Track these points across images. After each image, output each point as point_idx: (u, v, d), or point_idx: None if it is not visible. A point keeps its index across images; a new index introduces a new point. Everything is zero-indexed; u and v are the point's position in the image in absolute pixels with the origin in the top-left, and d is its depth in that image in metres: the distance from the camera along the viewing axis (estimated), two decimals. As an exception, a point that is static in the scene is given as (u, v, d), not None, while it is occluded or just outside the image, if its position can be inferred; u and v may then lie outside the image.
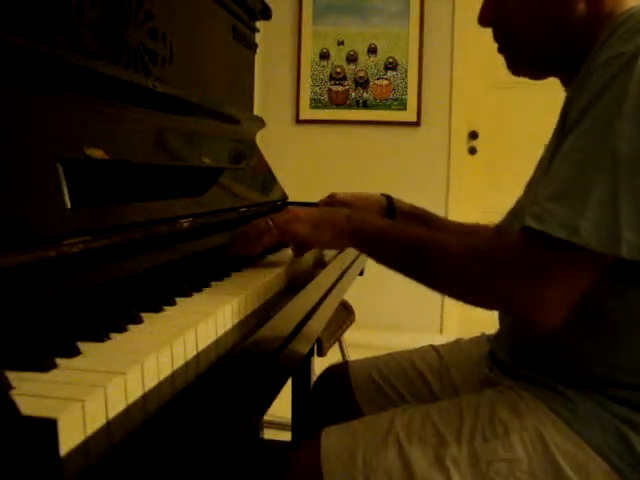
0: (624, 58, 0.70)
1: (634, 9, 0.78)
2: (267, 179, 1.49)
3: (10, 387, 0.41)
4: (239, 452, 0.96)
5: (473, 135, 3.33)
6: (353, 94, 3.38)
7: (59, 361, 0.46)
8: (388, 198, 1.16)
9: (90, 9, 0.82)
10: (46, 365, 0.45)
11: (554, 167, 0.74)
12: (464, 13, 3.20)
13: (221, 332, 0.62)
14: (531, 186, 1.06)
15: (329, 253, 1.11)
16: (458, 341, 1.15)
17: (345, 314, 2.05)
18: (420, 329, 3.27)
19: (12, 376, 0.42)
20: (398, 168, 3.32)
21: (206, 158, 1.13)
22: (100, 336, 0.52)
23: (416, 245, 0.81)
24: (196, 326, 0.56)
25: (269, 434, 1.95)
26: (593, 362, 0.80)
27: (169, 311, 0.64)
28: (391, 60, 3.33)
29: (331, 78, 3.40)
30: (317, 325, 0.94)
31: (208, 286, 0.76)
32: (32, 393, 0.40)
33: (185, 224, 0.92)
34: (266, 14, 1.57)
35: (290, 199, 1.54)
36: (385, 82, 3.34)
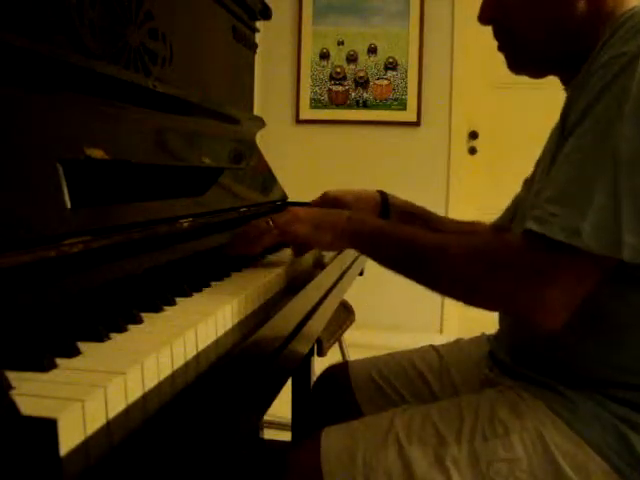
0: (625, 58, 0.70)
1: (635, 9, 0.78)
2: (267, 179, 1.49)
3: (10, 387, 0.41)
4: (239, 452, 0.96)
5: (473, 135, 3.33)
6: (353, 94, 3.38)
7: (59, 361, 0.46)
8: (382, 194, 1.16)
9: (90, 9, 0.82)
10: (46, 365, 0.45)
11: (555, 169, 0.74)
12: (464, 13, 3.20)
13: (221, 332, 0.62)
14: (529, 184, 1.06)
15: (329, 253, 1.11)
16: (458, 341, 1.15)
17: (345, 314, 2.05)
18: (420, 329, 3.27)
19: (12, 376, 0.42)
20: (398, 168, 3.32)
21: (206, 158, 1.13)
22: (100, 336, 0.52)
23: (416, 247, 0.81)
24: (196, 326, 0.56)
25: (269, 434, 1.95)
26: (594, 363, 0.80)
27: (169, 311, 0.64)
28: (391, 60, 3.33)
29: (331, 78, 3.40)
30: (317, 325, 0.94)
31: (208, 286, 0.76)
32: (32, 393, 0.40)
33: (185, 224, 0.92)
34: (266, 14, 1.57)
35: (290, 199, 1.54)
36: (385, 82, 3.34)
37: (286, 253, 1.02)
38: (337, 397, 1.12)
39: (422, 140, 3.32)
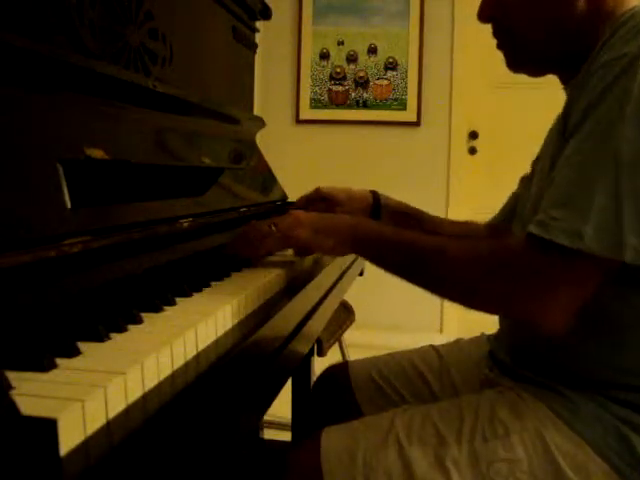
0: (626, 59, 0.69)
1: (636, 8, 0.78)
2: (267, 179, 1.49)
3: (10, 387, 0.41)
4: (239, 452, 0.96)
5: (473, 135, 3.33)
6: (353, 94, 3.38)
7: (59, 361, 0.46)
8: (375, 194, 1.16)
9: (90, 9, 0.82)
10: (46, 365, 0.45)
11: (556, 172, 0.74)
12: (464, 13, 3.20)
13: (221, 332, 0.62)
14: (526, 182, 1.06)
15: (329, 253, 1.11)
16: (458, 341, 1.15)
17: (345, 314, 2.05)
18: (420, 329, 3.27)
19: (12, 376, 0.42)
20: (398, 168, 3.32)
21: (206, 158, 1.13)
22: (100, 336, 0.52)
23: (418, 251, 0.81)
24: (196, 326, 0.56)
25: (269, 434, 1.95)
26: (595, 364, 0.79)
27: (169, 311, 0.64)
28: (391, 60, 3.33)
29: (331, 78, 3.40)
30: (317, 325, 0.94)
31: (208, 286, 0.76)
32: (32, 393, 0.40)
33: (185, 224, 0.92)
34: (266, 14, 1.57)
35: (290, 199, 1.54)
36: (385, 82, 3.34)
37: (286, 253, 1.02)
38: (337, 397, 1.12)
39: (422, 140, 3.32)
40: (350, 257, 1.24)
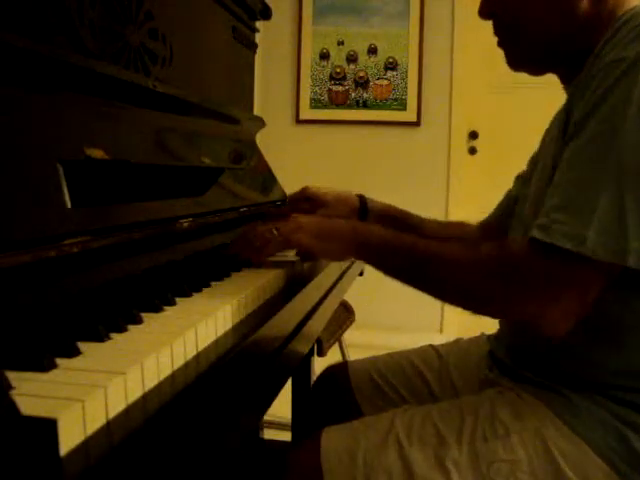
0: (628, 62, 0.69)
1: (637, 8, 0.77)
2: (267, 179, 1.48)
3: (10, 387, 0.41)
4: (239, 452, 0.96)
5: (473, 135, 3.33)
6: (353, 94, 3.38)
7: (59, 361, 0.46)
8: (362, 198, 1.16)
9: (90, 9, 0.82)
10: (46, 365, 0.45)
11: (558, 175, 0.73)
12: (464, 13, 3.20)
13: (221, 332, 0.62)
14: (522, 180, 1.06)
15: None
16: (458, 341, 1.15)
17: (345, 314, 2.05)
18: (420, 329, 3.27)
19: (12, 376, 0.42)
20: (398, 168, 3.33)
21: (206, 158, 1.13)
22: (100, 336, 0.52)
23: (419, 255, 0.81)
24: (196, 326, 0.56)
25: (269, 434, 1.95)
26: (595, 365, 0.79)
27: (169, 311, 0.64)
28: (391, 60, 3.33)
29: (331, 78, 3.40)
30: (317, 325, 0.94)
31: (208, 286, 0.76)
32: (32, 393, 0.40)
33: (185, 224, 0.92)
34: (266, 14, 1.57)
35: (290, 199, 1.53)
36: (385, 82, 3.34)
37: (286, 253, 1.02)
38: (337, 397, 1.12)
39: (422, 140, 3.32)
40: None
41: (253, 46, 1.56)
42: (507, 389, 0.87)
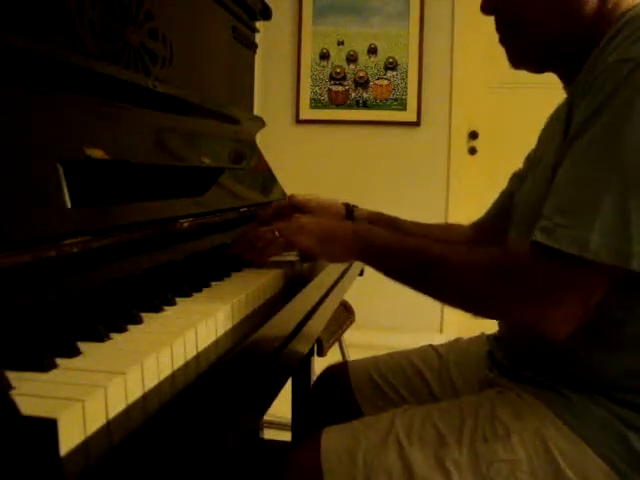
0: (631, 64, 0.68)
1: (639, 7, 0.77)
2: (267, 179, 1.48)
3: (10, 387, 0.41)
4: (239, 452, 0.96)
5: (473, 135, 3.33)
6: (353, 94, 3.38)
7: (59, 361, 0.46)
8: (347, 206, 1.15)
9: (90, 9, 0.82)
10: (46, 365, 0.45)
11: (560, 176, 0.73)
12: (464, 13, 3.20)
13: (221, 332, 0.62)
14: (518, 179, 1.06)
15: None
16: (457, 340, 1.15)
17: (345, 314, 2.05)
18: (420, 329, 3.27)
19: (12, 376, 0.42)
20: (398, 168, 3.32)
21: (206, 158, 1.13)
22: (100, 336, 0.52)
23: (420, 258, 0.80)
24: (196, 326, 0.56)
25: (269, 434, 1.95)
26: (596, 367, 0.79)
27: (169, 311, 0.64)
28: (391, 60, 3.33)
29: (331, 78, 3.40)
30: (317, 325, 0.94)
31: (208, 286, 0.76)
32: (32, 393, 0.40)
33: (185, 224, 0.92)
34: (266, 14, 1.57)
35: (290, 199, 1.53)
36: (385, 82, 3.34)
37: (287, 253, 1.02)
38: (337, 397, 1.12)
39: (422, 140, 3.32)
40: (350, 257, 1.24)
41: (253, 46, 1.56)
42: (507, 389, 0.87)
